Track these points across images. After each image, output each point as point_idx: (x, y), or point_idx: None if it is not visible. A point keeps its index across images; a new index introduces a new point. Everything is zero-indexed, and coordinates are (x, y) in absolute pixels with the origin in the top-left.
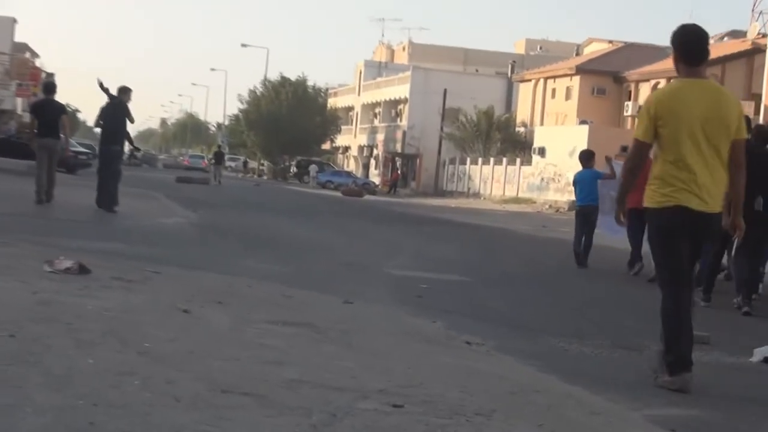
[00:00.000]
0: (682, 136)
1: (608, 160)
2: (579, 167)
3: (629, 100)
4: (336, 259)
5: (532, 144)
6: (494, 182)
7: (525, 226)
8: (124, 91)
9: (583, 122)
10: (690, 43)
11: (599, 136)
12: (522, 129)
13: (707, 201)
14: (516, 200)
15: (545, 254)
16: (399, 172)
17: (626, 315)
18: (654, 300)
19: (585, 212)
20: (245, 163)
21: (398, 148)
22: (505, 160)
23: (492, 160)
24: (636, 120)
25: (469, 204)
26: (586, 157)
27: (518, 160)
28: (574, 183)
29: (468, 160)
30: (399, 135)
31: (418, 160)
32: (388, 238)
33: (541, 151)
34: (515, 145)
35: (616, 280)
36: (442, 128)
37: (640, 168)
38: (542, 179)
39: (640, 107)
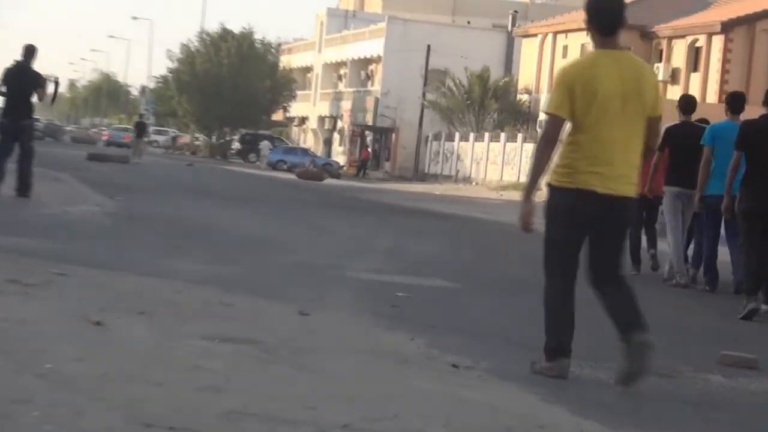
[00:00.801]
0: (596, 112)
1: None
2: None
3: (660, 61)
4: (289, 258)
5: (537, 116)
6: (489, 164)
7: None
8: (30, 52)
9: None
10: (603, 11)
11: None
12: (525, 97)
13: (616, 184)
14: (517, 186)
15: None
16: (369, 150)
17: (651, 331)
18: (684, 312)
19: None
20: (174, 139)
21: (369, 119)
22: (503, 135)
23: (487, 135)
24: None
25: (457, 191)
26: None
27: (520, 136)
28: None
29: (457, 136)
30: (370, 103)
31: (393, 136)
32: (356, 233)
33: None
34: (516, 116)
35: (638, 286)
36: (424, 95)
37: (554, 146)
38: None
39: (673, 71)
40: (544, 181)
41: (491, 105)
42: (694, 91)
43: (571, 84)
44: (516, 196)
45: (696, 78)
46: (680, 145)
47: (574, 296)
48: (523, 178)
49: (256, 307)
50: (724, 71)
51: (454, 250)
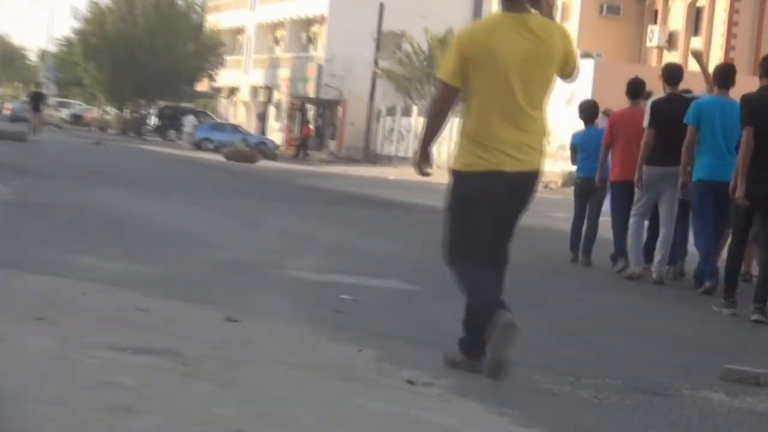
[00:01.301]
0: (497, 81)
1: (606, 113)
2: (579, 123)
3: (654, 23)
4: (216, 255)
5: None
6: (454, 144)
7: None
8: None
9: (587, 55)
10: None
11: (611, 76)
12: None
13: (523, 158)
14: None
15: (527, 250)
16: (311, 126)
17: (643, 341)
18: (684, 319)
19: (587, 185)
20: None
21: (310, 90)
22: None
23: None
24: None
25: (415, 176)
26: (589, 110)
27: None
28: (573, 147)
29: (415, 111)
30: (312, 71)
31: (340, 110)
32: (294, 226)
33: None
34: None
35: (626, 289)
36: (376, 62)
37: (445, 116)
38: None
39: (671, 34)
40: (449, 166)
41: None
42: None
43: (466, 48)
44: None
45: (697, 43)
46: (668, 122)
47: (499, 289)
48: None
49: (177, 313)
50: (730, 35)
51: (411, 246)
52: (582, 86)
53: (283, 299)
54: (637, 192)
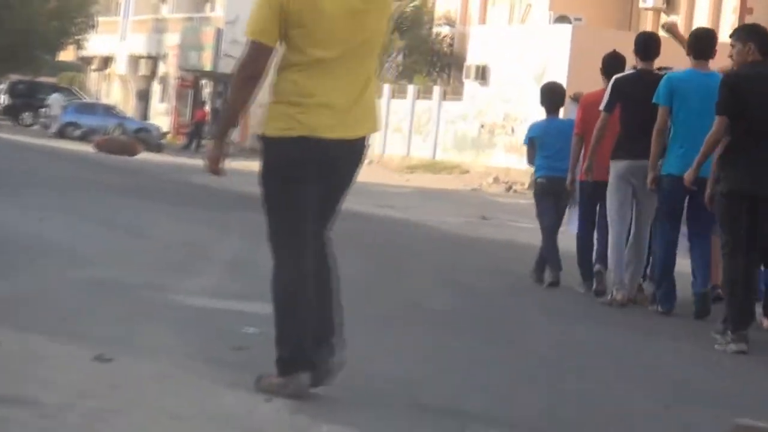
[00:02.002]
0: (320, 36)
1: (576, 99)
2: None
3: None
4: (85, 274)
5: (463, 60)
6: (391, 132)
7: (449, 216)
8: None
9: (562, 19)
10: None
11: (593, 45)
12: (445, 30)
13: (351, 124)
14: (432, 166)
15: (486, 268)
16: (207, 108)
17: (630, 388)
18: (678, 356)
19: (552, 189)
20: None
21: (206, 62)
22: (411, 89)
23: (387, 89)
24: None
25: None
26: (554, 94)
27: (437, 90)
28: (531, 142)
29: None
30: (209, 37)
31: None
32: (185, 236)
33: (482, 74)
34: (432, 60)
35: (604, 316)
36: None
37: (257, 81)
38: (482, 127)
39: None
40: (259, 132)
41: (394, 42)
42: (702, 22)
43: (284, 2)
44: (430, 181)
45: (704, 3)
46: (634, 103)
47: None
48: (442, 155)
49: (32, 349)
50: None
51: (349, 265)
52: (557, 59)
53: (169, 332)
54: (617, 192)
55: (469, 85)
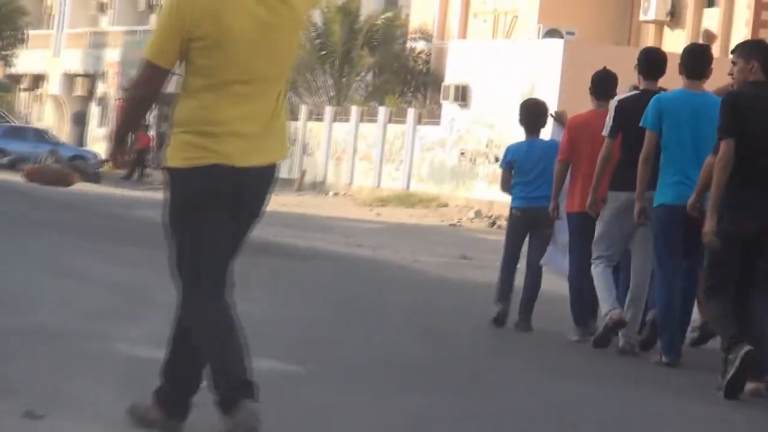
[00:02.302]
0: (225, 57)
1: (558, 117)
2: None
3: None
4: (13, 320)
5: (441, 78)
6: (359, 159)
7: (424, 255)
8: None
9: (552, 33)
10: None
11: (587, 61)
12: (421, 45)
13: (262, 150)
14: (405, 199)
15: (465, 315)
16: (152, 134)
17: None
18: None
19: (531, 220)
20: None
21: None
22: (382, 112)
23: (355, 111)
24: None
25: (303, 205)
26: (534, 113)
27: (411, 113)
28: (507, 166)
29: (303, 111)
30: None
31: None
32: (126, 278)
33: (462, 94)
34: (406, 80)
35: (602, 368)
36: None
37: (152, 101)
38: (462, 155)
39: (674, 4)
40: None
41: (363, 59)
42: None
43: (186, 17)
44: (404, 216)
45: (713, 15)
46: (638, 127)
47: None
48: (417, 186)
49: None
50: (761, 5)
51: (296, 310)
52: (547, 77)
53: (109, 385)
54: (598, 226)
55: (448, 107)
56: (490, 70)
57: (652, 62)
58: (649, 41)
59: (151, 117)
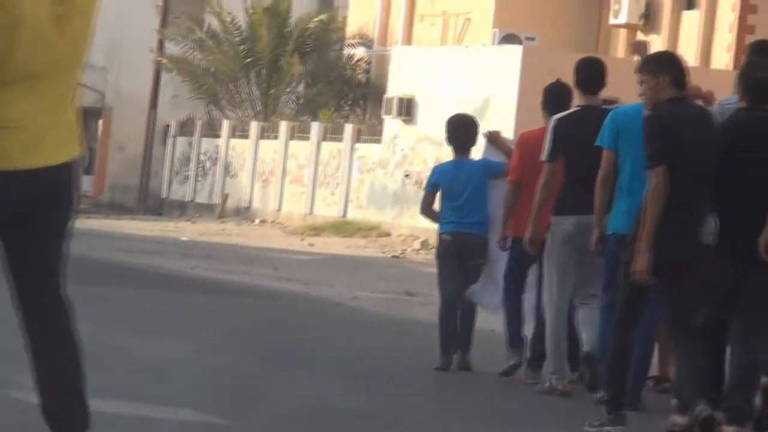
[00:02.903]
0: (22, 48)
1: (491, 138)
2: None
3: None
4: None
5: (383, 90)
6: (289, 183)
7: (363, 291)
8: None
9: (510, 38)
10: None
11: (549, 72)
12: (360, 52)
13: (49, 150)
14: (342, 227)
15: (409, 359)
16: None
17: None
18: None
19: (462, 247)
20: None
21: None
22: (316, 128)
23: (285, 127)
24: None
25: (226, 234)
26: (464, 131)
27: (349, 129)
28: (432, 188)
29: (225, 127)
30: None
31: (101, 125)
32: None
33: (406, 108)
34: (343, 91)
35: (553, 414)
36: (161, 45)
37: None
38: (407, 177)
39: (649, 5)
40: None
41: (294, 67)
42: (689, 45)
43: None
44: (341, 243)
45: (692, 19)
46: (578, 148)
47: None
48: (355, 213)
49: None
50: (747, 8)
51: (218, 353)
52: (503, 88)
53: None
54: (550, 262)
55: (391, 122)
56: (439, 81)
57: (590, 75)
58: (620, 47)
59: None
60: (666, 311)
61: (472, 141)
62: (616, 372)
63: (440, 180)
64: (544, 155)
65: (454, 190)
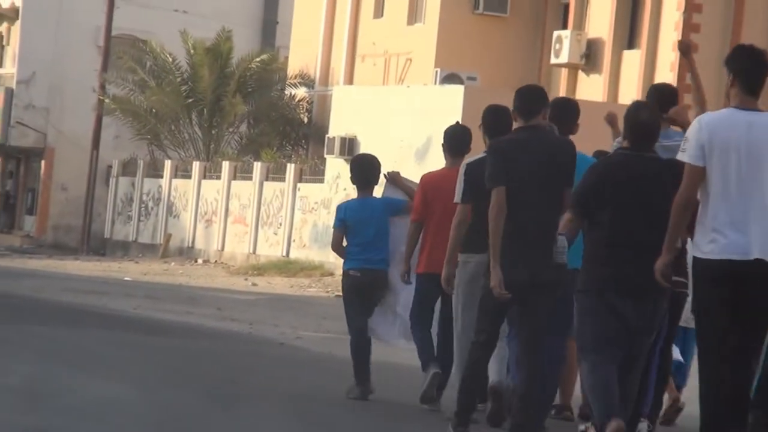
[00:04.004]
0: None
1: (391, 179)
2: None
3: (564, 26)
4: None
5: (325, 130)
6: (232, 223)
7: (306, 330)
8: None
9: (451, 78)
10: None
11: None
12: (301, 92)
13: None
14: (285, 267)
15: (354, 403)
16: None
17: None
18: None
19: (369, 282)
20: None
21: None
22: (258, 168)
23: (227, 167)
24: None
25: (169, 274)
26: (366, 169)
27: (291, 169)
28: (341, 226)
29: (168, 167)
30: None
31: (43, 165)
32: None
33: (348, 147)
34: (285, 131)
35: None
36: (103, 86)
37: None
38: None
39: (590, 44)
40: None
41: (236, 107)
42: (630, 84)
43: None
44: (284, 283)
45: (633, 58)
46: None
47: None
48: (298, 252)
49: None
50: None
51: (160, 394)
52: (445, 125)
53: None
54: (460, 304)
55: (333, 162)
56: (381, 120)
57: (497, 118)
58: (561, 88)
59: None
60: (520, 330)
61: (375, 179)
62: (471, 388)
63: (346, 217)
64: (457, 197)
65: (360, 228)
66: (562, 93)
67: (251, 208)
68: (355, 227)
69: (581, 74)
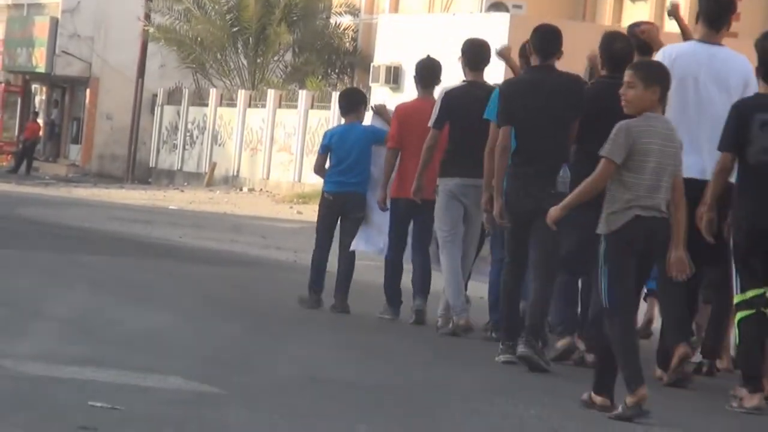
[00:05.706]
0: None
1: (377, 111)
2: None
3: None
4: None
5: (370, 59)
6: (277, 151)
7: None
8: None
9: (497, 6)
10: None
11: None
12: (347, 21)
13: None
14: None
15: (401, 327)
16: (41, 122)
17: None
18: None
19: (342, 204)
20: None
21: (39, 61)
22: (303, 96)
23: (272, 96)
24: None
25: (214, 203)
26: (352, 99)
27: (336, 97)
28: (324, 150)
29: (213, 96)
30: (42, 30)
31: (88, 94)
32: (11, 286)
33: (393, 76)
34: (330, 60)
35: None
36: (148, 16)
37: None
38: None
39: None
40: None
41: (281, 36)
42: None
43: None
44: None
45: None
46: (462, 119)
47: None
48: None
49: None
50: None
51: (207, 322)
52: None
53: None
54: (437, 211)
55: (378, 90)
56: (426, 49)
57: (476, 53)
58: (606, 16)
59: (39, 102)
60: (531, 253)
61: (359, 105)
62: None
63: (330, 142)
64: (431, 121)
65: (341, 153)
66: (607, 21)
67: (296, 136)
68: (337, 152)
69: (626, 3)
